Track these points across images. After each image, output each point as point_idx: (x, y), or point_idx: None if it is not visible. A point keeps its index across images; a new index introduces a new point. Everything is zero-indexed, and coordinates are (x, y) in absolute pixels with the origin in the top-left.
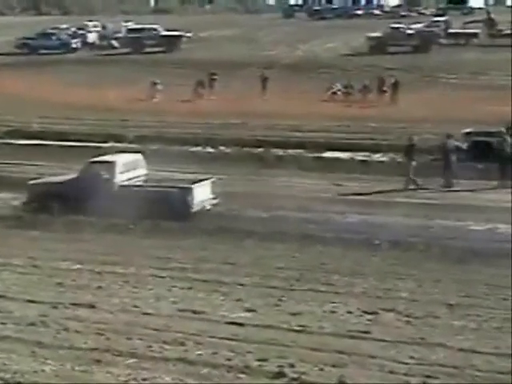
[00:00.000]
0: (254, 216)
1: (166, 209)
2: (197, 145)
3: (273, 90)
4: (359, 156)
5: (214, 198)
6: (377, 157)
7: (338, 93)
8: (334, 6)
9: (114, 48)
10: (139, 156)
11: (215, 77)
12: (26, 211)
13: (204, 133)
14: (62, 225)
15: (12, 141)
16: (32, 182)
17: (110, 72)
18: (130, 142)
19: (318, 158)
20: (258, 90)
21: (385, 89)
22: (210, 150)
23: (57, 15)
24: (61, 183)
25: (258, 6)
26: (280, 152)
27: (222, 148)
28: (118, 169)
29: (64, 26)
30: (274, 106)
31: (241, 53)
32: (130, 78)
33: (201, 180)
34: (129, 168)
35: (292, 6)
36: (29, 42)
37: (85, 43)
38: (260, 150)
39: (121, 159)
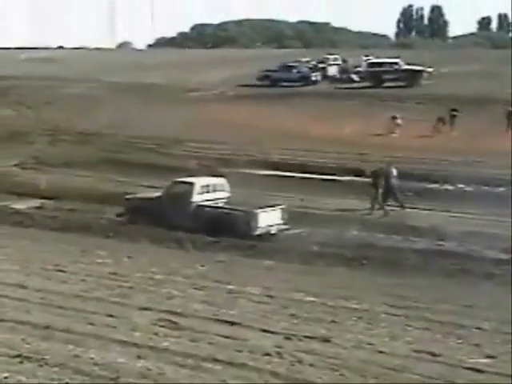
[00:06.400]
0: (492, 257)
1: (230, 229)
2: (435, 182)
3: None
4: None
5: (284, 224)
6: None
7: None
8: None
9: (354, 82)
10: (222, 180)
11: (456, 113)
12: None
13: (442, 169)
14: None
15: (252, 171)
16: (128, 196)
17: (348, 106)
18: (368, 177)
19: None
20: (503, 127)
21: None
22: (448, 187)
23: (298, 48)
24: (149, 199)
25: (504, 41)
26: None
27: (460, 186)
28: (197, 190)
29: (305, 59)
30: None
31: (483, 89)
32: (369, 112)
33: (268, 206)
34: (208, 190)
35: None
36: (270, 74)
37: (325, 76)
38: (501, 189)
39: (201, 181)
